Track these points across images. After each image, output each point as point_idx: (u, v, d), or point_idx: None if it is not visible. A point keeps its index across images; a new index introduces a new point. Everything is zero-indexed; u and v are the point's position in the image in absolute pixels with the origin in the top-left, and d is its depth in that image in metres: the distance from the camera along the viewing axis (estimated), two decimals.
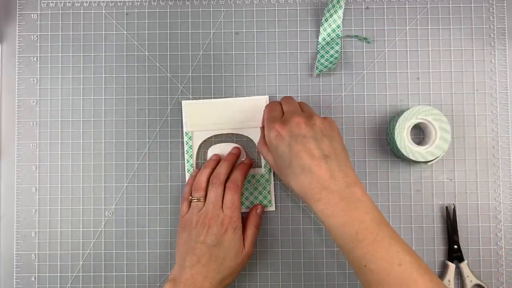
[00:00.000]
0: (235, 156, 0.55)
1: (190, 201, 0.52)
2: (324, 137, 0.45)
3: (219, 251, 0.49)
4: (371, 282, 0.42)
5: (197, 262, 0.48)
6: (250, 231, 0.52)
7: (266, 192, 0.56)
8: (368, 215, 0.43)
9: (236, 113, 0.56)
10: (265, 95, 0.57)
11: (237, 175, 0.53)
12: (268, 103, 0.56)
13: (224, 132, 0.57)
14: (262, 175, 0.56)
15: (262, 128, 0.53)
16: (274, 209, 0.56)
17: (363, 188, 0.45)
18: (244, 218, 0.54)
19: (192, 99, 0.57)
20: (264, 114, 0.53)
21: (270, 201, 0.56)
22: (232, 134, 0.57)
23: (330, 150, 0.45)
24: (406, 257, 0.41)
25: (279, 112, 0.50)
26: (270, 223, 0.56)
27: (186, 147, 0.56)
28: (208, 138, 0.57)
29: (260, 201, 0.56)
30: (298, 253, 0.56)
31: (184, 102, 0.56)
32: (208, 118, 0.56)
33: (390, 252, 0.41)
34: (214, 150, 0.56)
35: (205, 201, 0.51)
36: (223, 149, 0.56)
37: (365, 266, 0.42)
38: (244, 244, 0.51)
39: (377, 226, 0.43)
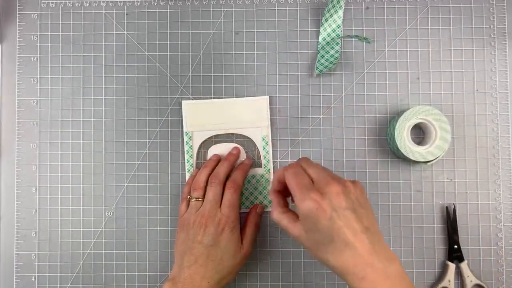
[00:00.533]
0: (235, 156, 0.55)
1: (189, 201, 0.52)
2: (360, 207, 0.43)
3: (216, 251, 0.49)
4: None
5: (194, 262, 0.48)
6: (250, 230, 0.52)
7: (266, 192, 0.56)
8: None
9: (236, 113, 0.56)
10: (265, 95, 0.57)
11: (237, 174, 0.53)
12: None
13: (224, 132, 0.57)
14: (262, 175, 0.56)
15: (277, 192, 0.47)
16: None
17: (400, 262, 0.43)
18: (244, 218, 0.54)
19: (192, 99, 0.57)
20: (278, 179, 0.47)
21: (270, 201, 0.56)
22: (232, 134, 0.57)
23: (368, 222, 0.42)
24: None
25: (307, 178, 0.44)
26: (270, 223, 0.56)
27: (186, 147, 0.56)
28: (208, 138, 0.57)
29: (260, 201, 0.56)
30: (298, 253, 0.56)
31: (184, 102, 0.56)
32: (208, 118, 0.56)
33: None
34: (214, 150, 0.56)
35: (203, 200, 0.51)
36: (223, 149, 0.56)
37: None
38: (243, 244, 0.51)
39: None
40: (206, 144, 0.57)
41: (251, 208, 0.55)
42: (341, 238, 0.41)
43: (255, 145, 0.57)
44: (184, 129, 0.56)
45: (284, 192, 0.47)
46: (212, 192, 0.51)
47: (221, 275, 0.49)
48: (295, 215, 0.45)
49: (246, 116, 0.56)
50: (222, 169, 0.53)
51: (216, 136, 0.57)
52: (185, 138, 0.56)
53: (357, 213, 0.42)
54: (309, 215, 0.42)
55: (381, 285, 0.40)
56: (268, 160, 0.56)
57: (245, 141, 0.57)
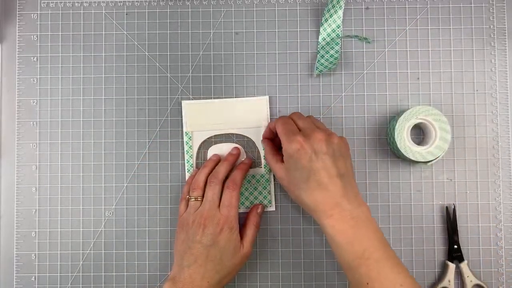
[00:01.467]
0: (235, 156, 0.55)
1: (188, 201, 0.52)
2: (340, 156, 0.47)
3: (216, 251, 0.49)
4: None
5: (194, 262, 0.48)
6: (250, 230, 0.52)
7: (266, 192, 0.56)
8: (375, 235, 0.45)
9: (236, 113, 0.56)
10: (265, 95, 0.57)
11: (236, 174, 0.53)
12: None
13: (224, 132, 0.57)
14: (262, 175, 0.56)
15: (268, 140, 0.54)
16: (274, 209, 0.56)
17: (369, 208, 0.47)
18: (244, 218, 0.54)
19: (192, 99, 0.57)
20: (270, 128, 0.53)
21: (270, 201, 0.56)
22: (232, 134, 0.57)
23: (344, 169, 0.47)
24: (407, 279, 0.44)
25: (295, 126, 0.49)
26: (270, 223, 0.56)
27: (186, 147, 0.56)
28: (208, 138, 0.57)
29: (260, 201, 0.56)
30: (298, 253, 0.56)
31: (184, 102, 0.56)
32: (208, 118, 0.56)
33: (393, 273, 0.44)
34: (214, 150, 0.56)
35: (202, 200, 0.51)
36: (223, 149, 0.56)
37: (367, 284, 0.44)
38: (243, 244, 0.51)
39: (383, 246, 0.45)
40: (206, 144, 0.57)
41: (251, 208, 0.55)
42: (316, 178, 0.46)
43: (255, 145, 0.57)
44: (184, 129, 0.56)
45: (274, 141, 0.54)
46: (211, 192, 0.51)
47: (221, 275, 0.49)
48: (281, 159, 0.50)
49: (246, 116, 0.56)
50: (221, 169, 0.53)
51: (216, 136, 0.57)
52: (185, 138, 0.56)
53: (335, 160, 0.46)
54: (292, 155, 0.47)
55: (346, 223, 0.45)
56: None
57: (245, 141, 0.57)
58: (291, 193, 0.50)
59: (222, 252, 0.49)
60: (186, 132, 0.56)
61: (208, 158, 0.56)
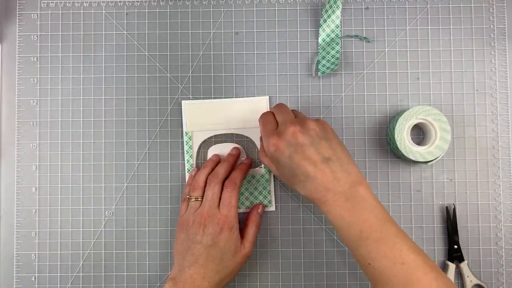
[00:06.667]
0: (235, 157, 0.55)
1: (189, 201, 0.52)
2: (322, 140, 0.46)
3: (216, 251, 0.49)
4: (376, 280, 0.43)
5: (195, 262, 0.48)
6: (251, 230, 0.52)
7: (266, 192, 0.56)
8: (372, 213, 0.44)
9: (236, 113, 0.56)
10: (265, 95, 0.57)
11: (235, 174, 0.53)
12: (264, 111, 0.55)
13: (224, 132, 0.57)
14: (262, 175, 0.56)
15: (261, 138, 0.53)
16: (274, 209, 0.56)
17: (368, 185, 0.46)
18: (245, 218, 0.54)
19: (192, 99, 0.57)
20: (260, 126, 0.52)
21: (270, 201, 0.56)
22: (232, 134, 0.57)
23: (330, 152, 0.46)
24: (410, 255, 0.43)
25: (273, 123, 0.49)
26: (270, 223, 0.56)
27: (186, 147, 0.56)
28: (208, 138, 0.57)
29: (260, 201, 0.56)
30: (298, 253, 0.56)
31: (184, 102, 0.57)
32: (208, 118, 0.56)
33: (394, 251, 0.43)
34: (214, 150, 0.56)
35: (202, 200, 0.51)
36: (223, 149, 0.56)
37: (369, 264, 0.43)
38: (243, 243, 0.51)
39: (382, 224, 0.44)
40: (206, 144, 0.57)
41: (251, 208, 0.55)
42: (301, 171, 0.45)
43: (255, 145, 0.57)
44: (184, 129, 0.56)
45: None
46: (211, 191, 0.51)
47: (222, 275, 0.49)
48: None
49: (246, 116, 0.56)
50: (221, 169, 0.53)
51: (216, 136, 0.57)
52: (185, 138, 0.56)
53: (317, 147, 0.45)
54: (272, 157, 0.48)
55: (340, 207, 0.44)
56: None
57: (245, 141, 0.57)
58: (290, 187, 0.50)
59: (223, 252, 0.49)
60: (186, 132, 0.56)
61: (208, 158, 0.56)
